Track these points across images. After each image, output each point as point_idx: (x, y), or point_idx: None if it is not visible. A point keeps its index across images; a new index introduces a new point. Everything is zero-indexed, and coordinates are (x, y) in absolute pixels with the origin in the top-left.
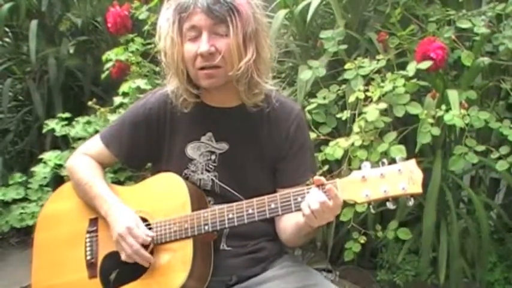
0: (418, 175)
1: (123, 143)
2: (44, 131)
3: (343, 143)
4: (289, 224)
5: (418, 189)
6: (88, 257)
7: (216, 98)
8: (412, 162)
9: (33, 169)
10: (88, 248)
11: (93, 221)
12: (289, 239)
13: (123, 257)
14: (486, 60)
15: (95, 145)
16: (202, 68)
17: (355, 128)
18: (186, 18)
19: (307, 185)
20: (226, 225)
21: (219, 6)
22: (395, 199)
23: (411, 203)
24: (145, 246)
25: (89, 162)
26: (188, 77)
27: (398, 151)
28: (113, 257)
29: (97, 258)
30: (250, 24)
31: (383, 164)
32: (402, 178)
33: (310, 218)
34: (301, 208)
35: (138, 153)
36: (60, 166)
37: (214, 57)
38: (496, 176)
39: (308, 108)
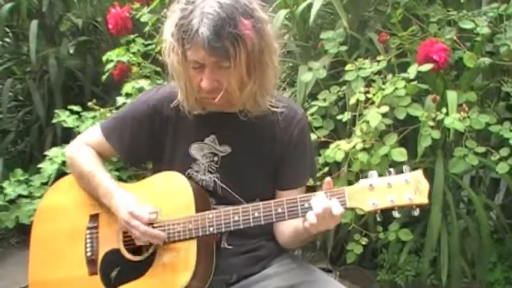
0: (425, 186)
1: (124, 137)
2: (54, 120)
3: (344, 145)
4: (287, 228)
5: (424, 199)
6: (88, 254)
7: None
8: (419, 173)
9: (40, 165)
10: (88, 245)
11: (94, 217)
12: (287, 242)
13: (137, 242)
14: (487, 60)
15: (95, 136)
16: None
17: (357, 131)
18: (189, 48)
19: (309, 187)
20: (232, 228)
21: (221, 41)
22: (402, 208)
23: (416, 213)
24: (148, 245)
25: (90, 152)
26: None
27: (400, 154)
28: (114, 254)
29: (97, 255)
30: (255, 49)
31: (390, 173)
32: (409, 188)
33: (312, 224)
34: (306, 215)
35: (139, 149)
36: (65, 163)
37: (217, 90)
38: (496, 176)
39: (309, 112)
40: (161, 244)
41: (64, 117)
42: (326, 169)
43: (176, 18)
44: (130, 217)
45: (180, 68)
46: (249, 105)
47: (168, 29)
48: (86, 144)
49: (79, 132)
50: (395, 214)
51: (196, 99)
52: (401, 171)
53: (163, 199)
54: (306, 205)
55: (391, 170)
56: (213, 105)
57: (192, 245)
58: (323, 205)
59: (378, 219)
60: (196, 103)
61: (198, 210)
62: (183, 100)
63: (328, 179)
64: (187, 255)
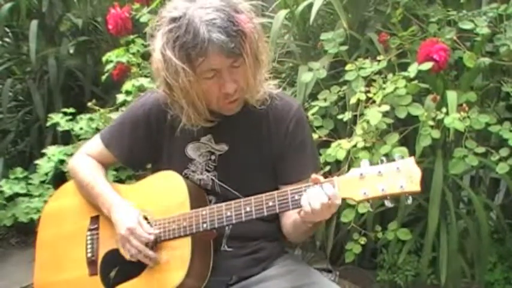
0: (417, 173)
1: (124, 143)
2: (47, 124)
3: (345, 144)
4: (288, 220)
5: (416, 187)
6: (89, 255)
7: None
8: (411, 160)
9: (36, 162)
10: (89, 246)
11: (94, 219)
12: (290, 234)
13: (127, 256)
14: (487, 60)
15: (96, 146)
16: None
17: (358, 130)
18: (202, 61)
19: None
20: (224, 223)
21: (232, 40)
22: (394, 197)
23: (410, 201)
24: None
25: (90, 163)
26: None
27: (401, 153)
28: (113, 255)
29: (97, 256)
30: (254, 40)
31: (381, 162)
32: (400, 176)
33: (307, 213)
34: (301, 204)
35: (139, 154)
36: (63, 162)
37: (237, 91)
38: (496, 176)
39: (310, 112)
40: (151, 265)
41: (58, 119)
42: (327, 168)
43: (171, 40)
44: (130, 234)
45: (193, 86)
46: (252, 97)
47: (165, 54)
48: (87, 155)
49: (76, 135)
50: (388, 204)
51: (210, 111)
52: (393, 160)
53: (158, 198)
54: (297, 197)
55: (383, 158)
56: (230, 110)
57: (187, 243)
58: (318, 197)
59: (370, 209)
60: (209, 114)
61: (192, 208)
62: (190, 118)
63: (314, 175)
64: (182, 253)
